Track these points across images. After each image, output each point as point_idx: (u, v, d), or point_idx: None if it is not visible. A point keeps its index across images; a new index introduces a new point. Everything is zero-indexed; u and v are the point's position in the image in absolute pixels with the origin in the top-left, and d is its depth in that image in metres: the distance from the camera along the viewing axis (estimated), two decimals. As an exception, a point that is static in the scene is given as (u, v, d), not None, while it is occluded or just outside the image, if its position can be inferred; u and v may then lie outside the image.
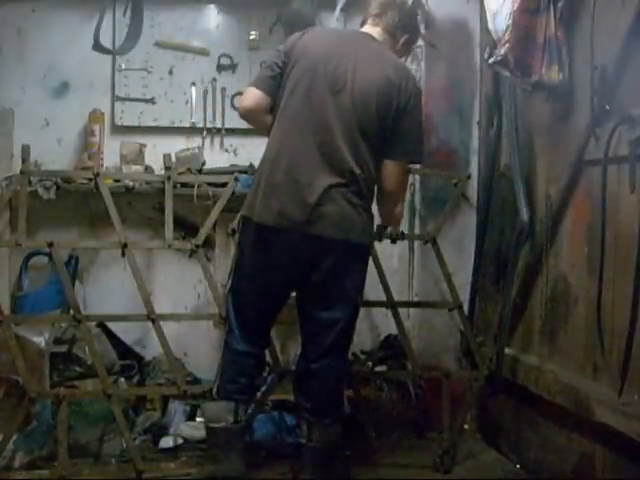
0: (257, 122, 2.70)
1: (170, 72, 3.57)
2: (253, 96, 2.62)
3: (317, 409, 2.66)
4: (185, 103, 3.58)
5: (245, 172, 3.24)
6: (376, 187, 2.66)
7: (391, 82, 2.54)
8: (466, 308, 3.35)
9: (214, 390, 2.71)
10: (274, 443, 3.05)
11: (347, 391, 3.05)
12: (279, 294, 2.69)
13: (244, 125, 2.98)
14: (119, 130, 3.51)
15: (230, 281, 2.72)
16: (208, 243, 3.26)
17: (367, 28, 2.71)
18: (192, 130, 3.60)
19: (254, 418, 3.00)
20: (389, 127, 2.56)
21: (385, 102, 2.53)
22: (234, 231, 2.89)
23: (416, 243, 3.56)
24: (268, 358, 3.13)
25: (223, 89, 3.61)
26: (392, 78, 2.55)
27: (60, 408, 2.80)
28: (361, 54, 2.58)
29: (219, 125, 3.61)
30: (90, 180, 3.05)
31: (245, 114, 2.70)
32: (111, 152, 3.38)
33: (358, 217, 2.55)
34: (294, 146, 2.53)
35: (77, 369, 3.16)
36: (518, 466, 3.06)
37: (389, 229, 3.01)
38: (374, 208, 2.71)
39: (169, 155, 3.14)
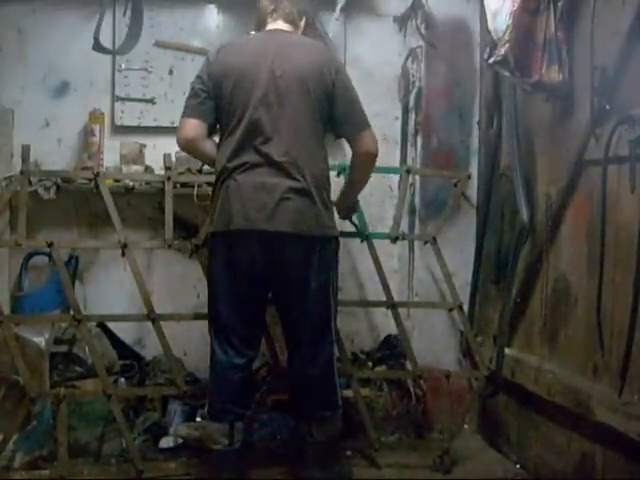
0: (197, 150, 2.73)
1: (170, 72, 3.56)
2: (191, 125, 2.66)
3: (316, 405, 2.69)
4: (185, 103, 3.58)
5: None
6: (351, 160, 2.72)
7: (315, 63, 2.59)
8: (466, 308, 3.35)
9: (206, 410, 2.74)
10: (274, 443, 3.05)
11: (347, 391, 3.05)
12: (254, 297, 2.68)
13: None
14: (119, 130, 3.51)
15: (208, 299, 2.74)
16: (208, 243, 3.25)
17: (271, 25, 2.72)
18: (192, 130, 3.60)
19: (254, 418, 3.00)
20: (330, 106, 2.60)
21: (317, 81, 2.57)
22: (197, 247, 2.98)
23: (416, 243, 3.55)
24: (268, 359, 3.15)
25: (223, 89, 3.60)
26: (315, 59, 2.60)
27: (60, 408, 2.80)
28: (279, 49, 2.61)
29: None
30: (90, 180, 3.05)
31: (185, 144, 2.71)
32: (111, 152, 3.37)
33: (315, 211, 2.56)
34: (247, 158, 2.56)
35: (77, 369, 3.15)
36: (518, 466, 3.06)
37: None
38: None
39: (169, 155, 3.13)
